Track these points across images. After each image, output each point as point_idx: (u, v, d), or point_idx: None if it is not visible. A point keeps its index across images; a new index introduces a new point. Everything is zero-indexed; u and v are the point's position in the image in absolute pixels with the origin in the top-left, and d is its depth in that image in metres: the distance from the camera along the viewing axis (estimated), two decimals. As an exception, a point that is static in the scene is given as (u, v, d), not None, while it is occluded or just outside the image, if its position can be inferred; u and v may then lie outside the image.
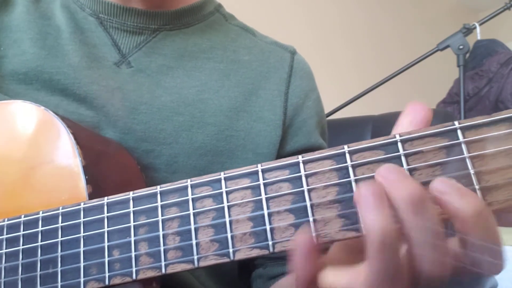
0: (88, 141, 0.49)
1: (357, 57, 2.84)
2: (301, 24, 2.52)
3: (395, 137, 0.32)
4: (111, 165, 0.51)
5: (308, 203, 0.33)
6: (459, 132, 0.31)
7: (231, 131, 0.61)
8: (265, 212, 0.34)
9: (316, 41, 2.55)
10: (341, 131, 1.46)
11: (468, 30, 1.74)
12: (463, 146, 0.30)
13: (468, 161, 0.30)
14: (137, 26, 0.62)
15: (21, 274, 0.41)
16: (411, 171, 0.31)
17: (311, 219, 0.33)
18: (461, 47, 1.71)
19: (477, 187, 0.30)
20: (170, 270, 0.36)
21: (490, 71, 2.23)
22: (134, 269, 0.37)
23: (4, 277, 0.41)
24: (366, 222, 0.29)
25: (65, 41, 0.60)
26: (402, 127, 0.34)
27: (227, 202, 0.35)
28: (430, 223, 0.28)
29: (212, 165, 0.59)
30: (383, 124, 1.45)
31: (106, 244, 0.38)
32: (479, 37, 1.85)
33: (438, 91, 2.54)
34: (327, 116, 1.70)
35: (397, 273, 0.29)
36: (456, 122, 0.31)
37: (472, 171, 0.30)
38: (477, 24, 1.78)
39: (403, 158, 0.31)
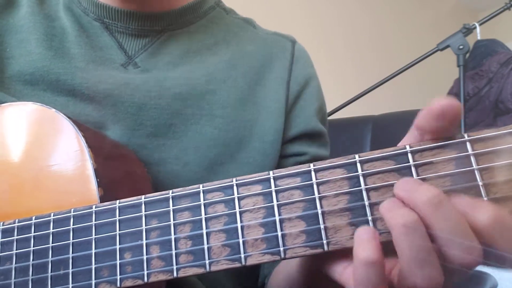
0: (98, 144, 0.50)
1: (357, 57, 2.85)
2: (301, 24, 2.51)
3: (405, 148, 0.33)
4: (119, 167, 0.52)
5: (319, 211, 0.34)
6: (468, 144, 0.31)
7: (238, 122, 0.62)
8: (277, 218, 0.35)
9: (316, 41, 2.55)
10: (341, 131, 1.46)
11: (468, 30, 1.74)
12: (472, 158, 0.31)
13: (477, 173, 0.31)
14: (142, 29, 0.63)
15: (32, 275, 0.41)
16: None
17: (322, 226, 0.34)
18: (461, 47, 1.71)
19: (485, 198, 0.30)
20: (182, 273, 0.36)
21: (490, 71, 2.23)
22: (145, 272, 0.37)
23: (15, 278, 0.42)
24: (389, 222, 0.31)
25: (71, 44, 0.61)
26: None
27: (239, 208, 0.36)
28: (450, 216, 0.30)
29: (221, 156, 0.61)
30: (383, 124, 1.45)
31: (118, 246, 0.39)
32: (479, 37, 1.85)
33: (438, 91, 2.54)
34: (327, 116, 1.71)
35: (427, 257, 0.30)
36: (465, 135, 0.31)
37: (480, 183, 0.31)
38: (477, 24, 1.78)
39: (413, 169, 0.32)
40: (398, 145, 0.36)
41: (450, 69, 2.01)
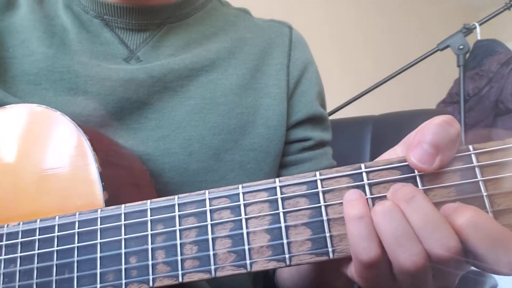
0: (103, 147, 0.50)
1: (356, 57, 2.84)
2: (300, 25, 2.51)
3: (411, 159, 0.33)
4: (124, 171, 0.52)
5: (325, 218, 0.34)
6: (473, 156, 0.32)
7: (241, 109, 0.63)
8: (282, 225, 0.35)
9: (316, 42, 2.55)
10: (341, 131, 1.46)
11: (468, 30, 1.74)
12: (477, 170, 0.32)
13: (481, 184, 0.31)
14: (141, 24, 0.64)
15: (36, 278, 0.41)
16: (426, 191, 0.33)
17: (327, 234, 0.34)
18: (461, 47, 1.71)
19: (489, 210, 0.31)
20: (187, 279, 0.37)
21: (490, 71, 2.23)
22: (151, 277, 0.37)
23: (19, 281, 0.41)
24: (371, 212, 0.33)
25: (72, 41, 0.62)
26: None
27: (245, 215, 0.36)
28: (422, 210, 0.32)
29: (226, 143, 0.61)
30: (383, 124, 1.45)
31: (123, 250, 0.39)
32: (479, 37, 1.84)
33: (438, 91, 2.54)
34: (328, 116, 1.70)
35: (404, 237, 0.32)
36: (470, 147, 0.32)
37: (485, 194, 0.31)
38: (477, 24, 1.77)
39: (418, 179, 0.33)
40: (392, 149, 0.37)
41: (450, 69, 2.01)
